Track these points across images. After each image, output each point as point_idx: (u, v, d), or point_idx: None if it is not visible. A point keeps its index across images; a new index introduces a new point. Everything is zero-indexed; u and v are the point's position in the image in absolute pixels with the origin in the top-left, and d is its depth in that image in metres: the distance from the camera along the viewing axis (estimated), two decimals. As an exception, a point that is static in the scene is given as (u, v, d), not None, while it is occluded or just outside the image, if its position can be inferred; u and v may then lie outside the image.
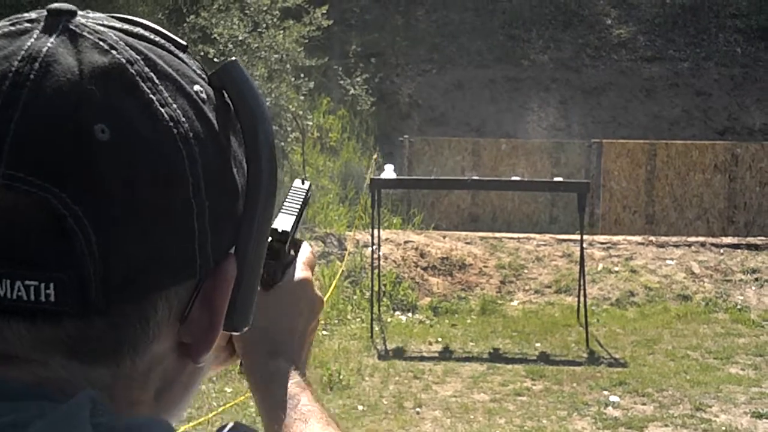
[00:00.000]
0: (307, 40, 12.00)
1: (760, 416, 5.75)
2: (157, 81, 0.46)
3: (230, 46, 11.26)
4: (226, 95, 0.51)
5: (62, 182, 0.43)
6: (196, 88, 0.48)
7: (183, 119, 0.46)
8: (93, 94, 0.44)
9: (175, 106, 0.46)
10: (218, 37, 11.23)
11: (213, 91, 0.50)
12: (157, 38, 0.49)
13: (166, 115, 0.46)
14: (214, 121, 0.49)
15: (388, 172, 8.13)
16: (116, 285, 0.44)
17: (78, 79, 0.44)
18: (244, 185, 0.50)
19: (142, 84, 0.45)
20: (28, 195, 0.43)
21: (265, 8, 11.64)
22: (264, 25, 11.60)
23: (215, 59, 11.24)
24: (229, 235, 0.50)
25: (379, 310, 8.47)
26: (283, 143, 11.79)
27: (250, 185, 0.51)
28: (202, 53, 11.17)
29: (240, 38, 11.29)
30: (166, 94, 0.46)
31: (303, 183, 0.88)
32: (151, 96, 0.45)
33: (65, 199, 0.43)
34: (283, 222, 0.81)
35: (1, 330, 0.44)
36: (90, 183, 0.43)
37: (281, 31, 11.61)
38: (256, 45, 11.38)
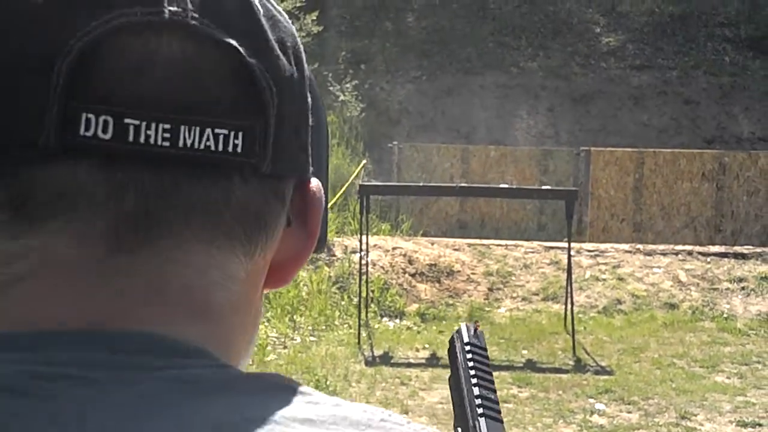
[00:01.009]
0: (296, 46, 12.00)
1: (745, 425, 5.77)
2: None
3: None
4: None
5: (244, 38, 0.43)
6: None
7: (300, 45, 0.49)
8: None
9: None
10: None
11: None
12: None
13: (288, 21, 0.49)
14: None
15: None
16: (281, 153, 0.45)
17: None
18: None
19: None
20: (217, 44, 0.42)
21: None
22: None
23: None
24: (311, 162, 0.51)
25: (366, 316, 8.47)
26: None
27: (320, 134, 0.53)
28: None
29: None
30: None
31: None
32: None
33: (252, 57, 0.43)
34: None
35: (163, 190, 0.42)
36: (266, 52, 0.44)
37: (271, 37, 11.62)
38: (245, 50, 11.39)
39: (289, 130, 0.46)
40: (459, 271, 9.80)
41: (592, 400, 6.28)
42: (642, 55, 18.39)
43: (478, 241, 10.83)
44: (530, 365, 7.20)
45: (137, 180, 0.41)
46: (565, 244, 8.12)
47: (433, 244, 10.43)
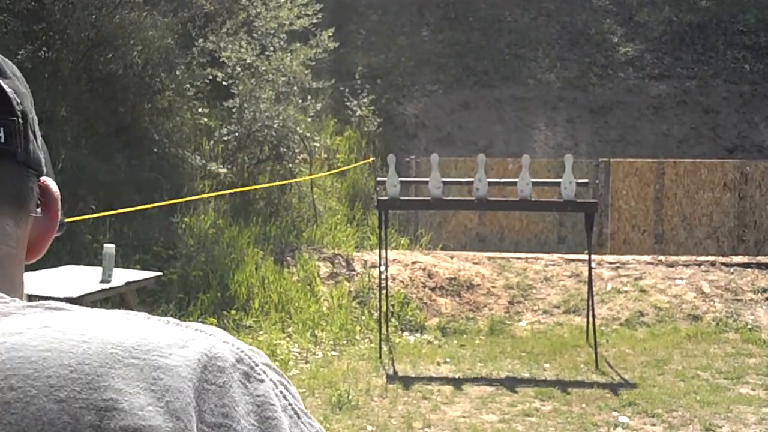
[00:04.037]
0: (313, 63, 12.07)
1: (771, 437, 5.70)
2: None
3: (238, 69, 11.34)
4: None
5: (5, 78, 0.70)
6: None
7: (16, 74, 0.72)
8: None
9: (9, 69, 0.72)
10: (227, 61, 11.31)
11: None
12: None
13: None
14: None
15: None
16: (29, 144, 0.68)
17: None
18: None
19: None
20: None
21: (272, 32, 11.73)
22: (271, 48, 11.68)
23: (224, 82, 11.32)
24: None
25: (387, 331, 8.45)
26: (291, 164, 11.83)
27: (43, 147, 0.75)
28: (211, 77, 11.25)
29: (248, 61, 11.37)
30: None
31: None
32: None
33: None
34: None
35: None
36: (12, 82, 0.69)
37: (288, 54, 11.69)
38: (263, 68, 11.45)
39: (31, 131, 0.68)
40: (479, 285, 9.76)
41: (615, 413, 6.22)
42: (660, 64, 18.29)
43: (497, 254, 10.80)
44: (553, 379, 7.15)
45: None
46: (586, 257, 8.07)
47: (452, 257, 10.41)
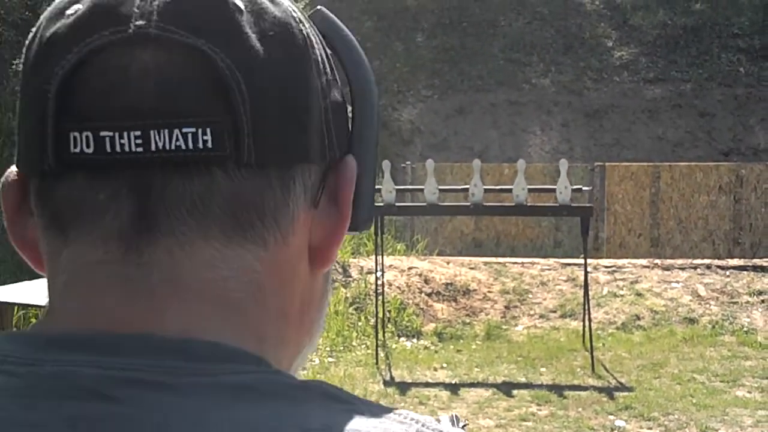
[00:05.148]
0: (309, 69, 12.10)
1: (767, 440, 5.71)
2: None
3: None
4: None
5: (214, 39, 0.45)
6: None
7: (305, 23, 0.52)
8: None
9: (298, 12, 0.52)
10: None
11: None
12: None
13: (291, 9, 0.51)
14: (320, 37, 0.54)
15: None
16: (265, 141, 0.46)
17: None
18: (349, 105, 0.55)
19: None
20: (183, 47, 0.45)
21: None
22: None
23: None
24: (344, 141, 0.54)
25: (384, 337, 8.46)
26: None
27: (359, 100, 0.56)
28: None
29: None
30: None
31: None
32: None
33: (219, 53, 0.45)
34: None
35: (156, 203, 0.45)
36: (238, 44, 0.46)
37: (283, 60, 11.71)
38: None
39: (278, 117, 0.47)
40: (475, 290, 9.78)
41: (612, 417, 6.23)
42: (655, 68, 18.35)
43: (494, 259, 10.81)
44: (549, 383, 7.16)
45: (123, 186, 0.45)
46: (582, 261, 8.08)
47: (448, 263, 10.42)
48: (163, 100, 0.45)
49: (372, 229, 9.21)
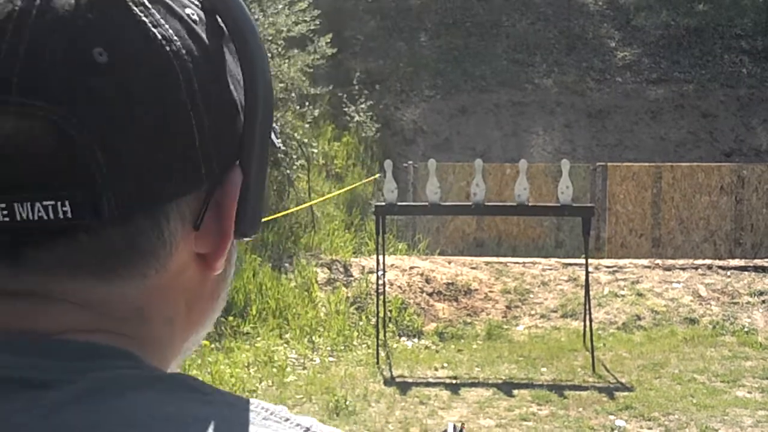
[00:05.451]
0: (311, 69, 12.11)
1: (767, 440, 5.72)
2: (148, 5, 0.50)
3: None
4: (219, 19, 0.55)
5: (68, 105, 0.47)
6: (188, 11, 0.53)
7: (175, 38, 0.50)
8: (90, 22, 0.48)
9: (167, 26, 0.50)
10: (224, 67, 11.34)
11: (205, 15, 0.54)
12: None
13: (158, 35, 0.50)
14: (206, 40, 0.53)
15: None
16: (127, 196, 0.48)
17: (75, 9, 0.48)
18: (242, 101, 0.54)
19: (135, 8, 0.50)
20: (39, 119, 0.46)
21: (270, 38, 11.77)
22: (269, 55, 11.71)
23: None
24: (232, 148, 0.54)
25: (384, 336, 8.47)
26: (289, 171, 11.87)
27: (248, 101, 0.54)
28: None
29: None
30: (158, 16, 0.50)
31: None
32: (144, 18, 0.50)
33: (72, 120, 0.47)
34: None
35: (25, 259, 0.49)
36: (94, 103, 0.47)
37: (286, 60, 11.73)
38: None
39: (141, 169, 0.48)
40: (477, 290, 9.79)
41: (612, 417, 6.24)
42: (658, 68, 18.34)
43: (495, 258, 10.82)
44: (550, 383, 7.17)
45: (3, 247, 0.49)
46: (583, 261, 8.09)
47: (450, 262, 10.44)
48: (23, 173, 0.47)
49: (373, 228, 9.23)
